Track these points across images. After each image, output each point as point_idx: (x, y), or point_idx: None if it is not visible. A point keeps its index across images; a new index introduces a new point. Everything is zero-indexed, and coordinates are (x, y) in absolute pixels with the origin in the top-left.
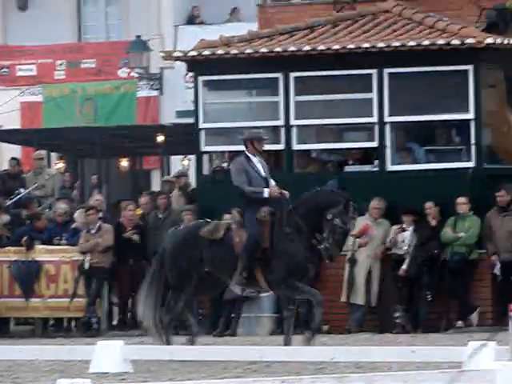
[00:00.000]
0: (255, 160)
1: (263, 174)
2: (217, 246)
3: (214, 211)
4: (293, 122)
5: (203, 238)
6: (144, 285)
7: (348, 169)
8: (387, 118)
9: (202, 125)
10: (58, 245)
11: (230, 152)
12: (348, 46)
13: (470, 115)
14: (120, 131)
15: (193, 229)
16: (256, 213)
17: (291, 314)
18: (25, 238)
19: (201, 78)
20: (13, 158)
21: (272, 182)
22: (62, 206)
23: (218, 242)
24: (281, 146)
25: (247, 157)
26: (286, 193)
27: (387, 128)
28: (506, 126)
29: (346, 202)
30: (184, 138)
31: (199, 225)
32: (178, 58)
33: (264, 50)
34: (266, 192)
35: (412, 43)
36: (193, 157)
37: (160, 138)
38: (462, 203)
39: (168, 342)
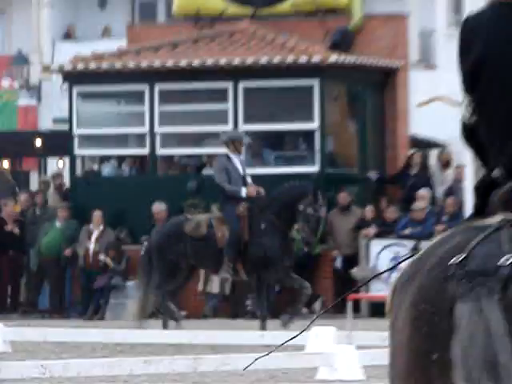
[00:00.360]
0: (235, 159)
1: (241, 172)
2: (199, 241)
3: (85, 208)
4: (157, 129)
5: (186, 234)
6: (138, 284)
7: (205, 172)
8: (242, 127)
9: (75, 131)
10: None
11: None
12: (207, 62)
13: (315, 125)
14: (2, 135)
15: (176, 224)
16: (235, 209)
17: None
18: None
19: (75, 89)
20: None
21: (249, 180)
22: None
23: (201, 238)
24: (146, 151)
25: (228, 157)
26: (261, 191)
27: None
28: (347, 135)
29: (313, 192)
30: (59, 142)
31: (181, 221)
32: (54, 71)
33: (132, 64)
34: (244, 191)
35: (264, 60)
36: (67, 159)
37: (38, 142)
38: None
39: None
